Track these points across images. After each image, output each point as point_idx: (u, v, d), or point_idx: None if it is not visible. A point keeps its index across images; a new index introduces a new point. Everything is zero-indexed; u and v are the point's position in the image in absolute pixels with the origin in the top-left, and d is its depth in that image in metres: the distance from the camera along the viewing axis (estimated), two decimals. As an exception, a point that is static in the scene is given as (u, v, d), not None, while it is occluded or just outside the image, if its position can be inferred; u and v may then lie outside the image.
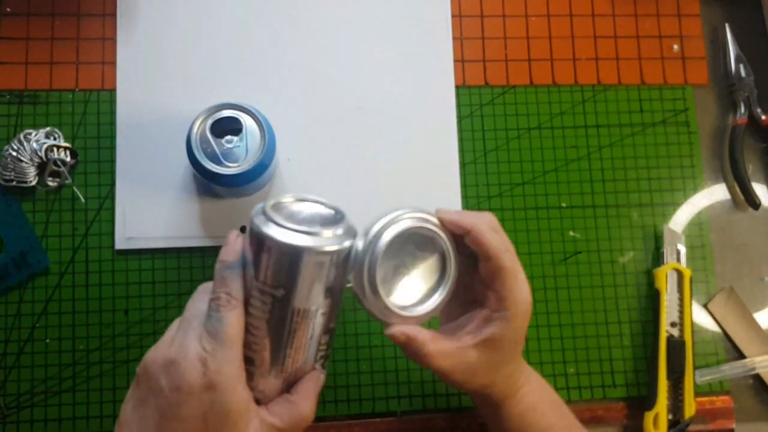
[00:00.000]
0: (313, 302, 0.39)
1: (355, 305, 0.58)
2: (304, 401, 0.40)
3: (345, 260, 0.40)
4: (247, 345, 0.39)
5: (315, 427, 0.57)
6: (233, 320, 0.37)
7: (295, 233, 0.38)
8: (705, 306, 0.62)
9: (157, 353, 0.37)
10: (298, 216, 0.40)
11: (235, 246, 0.39)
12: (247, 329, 0.38)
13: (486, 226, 0.42)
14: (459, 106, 0.63)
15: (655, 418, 0.58)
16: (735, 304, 0.62)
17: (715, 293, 0.62)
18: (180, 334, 0.38)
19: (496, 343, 0.42)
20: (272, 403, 0.39)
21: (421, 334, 0.42)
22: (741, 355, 0.61)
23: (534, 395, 0.47)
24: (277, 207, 0.40)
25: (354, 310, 0.59)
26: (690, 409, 0.58)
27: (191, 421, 0.35)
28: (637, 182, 0.63)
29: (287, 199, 0.41)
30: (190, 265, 0.58)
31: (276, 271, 0.38)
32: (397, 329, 0.41)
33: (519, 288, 0.42)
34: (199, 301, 0.40)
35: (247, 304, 0.38)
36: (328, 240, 0.39)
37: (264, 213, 0.39)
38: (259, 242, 0.38)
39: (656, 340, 0.59)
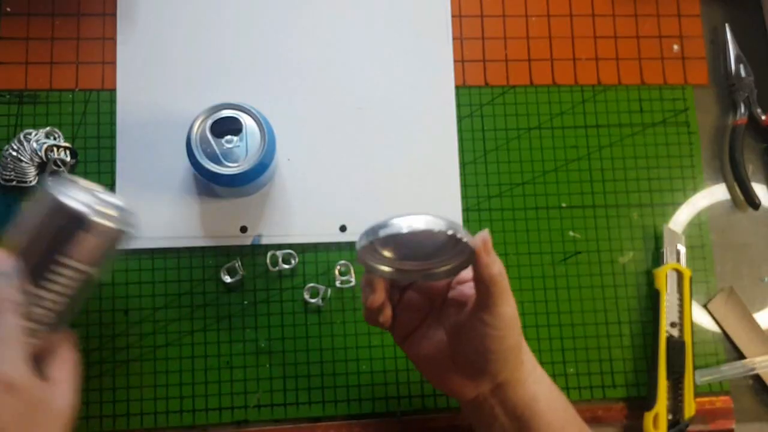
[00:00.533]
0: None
1: (355, 306, 0.58)
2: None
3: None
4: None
5: (314, 428, 0.57)
6: (10, 321, 0.40)
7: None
8: (705, 306, 0.62)
9: None
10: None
11: (3, 260, 0.41)
12: None
13: (483, 249, 0.43)
14: (459, 106, 0.63)
15: (655, 419, 0.58)
16: (735, 304, 0.62)
17: (715, 293, 0.62)
18: None
19: (493, 323, 0.44)
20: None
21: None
22: (741, 356, 0.61)
23: (537, 386, 0.47)
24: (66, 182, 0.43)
25: (353, 311, 0.59)
26: (690, 409, 0.58)
27: (7, 423, 0.39)
28: (637, 182, 0.63)
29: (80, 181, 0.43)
30: (190, 265, 0.58)
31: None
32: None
33: (507, 305, 0.44)
34: None
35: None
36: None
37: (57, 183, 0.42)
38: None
39: (656, 341, 0.59)
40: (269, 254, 0.58)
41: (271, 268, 0.58)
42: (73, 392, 0.43)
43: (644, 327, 0.61)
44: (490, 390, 0.46)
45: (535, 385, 0.47)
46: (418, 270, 0.45)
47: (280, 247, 0.59)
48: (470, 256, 0.43)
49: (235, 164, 0.51)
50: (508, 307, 0.44)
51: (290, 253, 0.58)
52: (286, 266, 0.58)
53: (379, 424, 0.58)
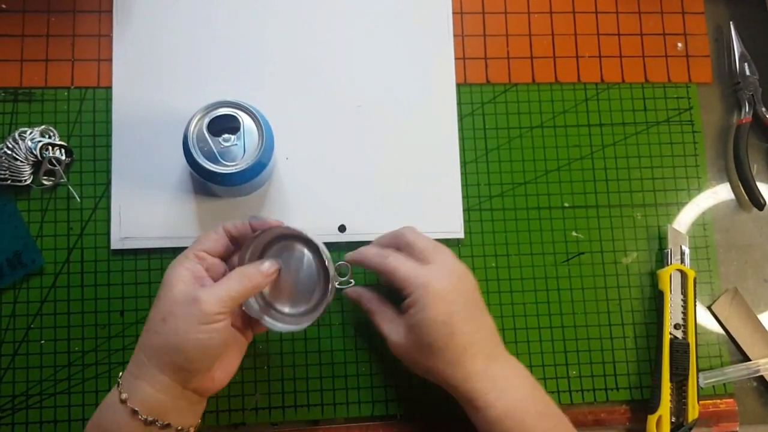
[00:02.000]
0: None
1: (355, 307, 0.57)
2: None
3: None
4: None
5: (314, 431, 0.57)
6: (204, 240, 0.49)
7: None
8: (709, 308, 0.61)
9: None
10: None
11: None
12: None
13: (368, 251, 0.53)
14: (460, 104, 0.62)
15: (659, 421, 0.57)
16: (739, 305, 0.61)
17: (719, 295, 0.61)
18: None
19: (413, 325, 0.49)
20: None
21: (367, 294, 0.54)
22: (745, 357, 0.61)
23: (506, 401, 0.48)
24: None
25: (353, 312, 0.58)
26: (694, 412, 0.57)
27: (159, 307, 0.46)
28: (640, 182, 0.62)
29: None
30: (187, 266, 0.57)
31: None
32: (351, 289, 0.55)
33: (414, 276, 0.49)
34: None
35: None
36: None
37: None
38: None
39: (660, 342, 0.58)
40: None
41: None
42: (209, 295, 0.45)
43: (648, 329, 0.60)
44: (454, 390, 0.50)
45: (500, 400, 0.48)
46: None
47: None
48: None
49: (233, 163, 0.51)
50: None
51: None
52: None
53: (379, 427, 0.57)
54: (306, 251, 0.51)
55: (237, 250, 0.51)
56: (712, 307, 0.61)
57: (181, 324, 0.44)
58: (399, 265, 0.50)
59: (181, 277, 0.46)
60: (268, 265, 0.49)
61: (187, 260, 0.47)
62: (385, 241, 0.54)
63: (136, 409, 0.45)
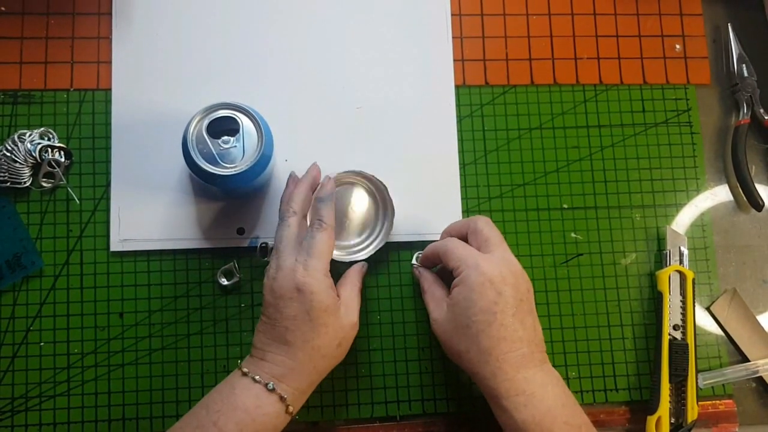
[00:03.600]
0: None
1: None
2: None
3: None
4: None
5: (313, 432, 0.57)
6: (323, 238, 0.49)
7: None
8: (708, 308, 0.61)
9: (265, 282, 0.49)
10: None
11: (327, 186, 0.52)
12: None
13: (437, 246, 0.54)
14: (459, 105, 0.62)
15: (658, 422, 0.57)
16: (738, 306, 0.61)
17: (718, 295, 0.62)
18: (274, 260, 0.50)
19: (456, 303, 0.49)
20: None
21: (427, 274, 0.56)
22: (744, 359, 0.61)
23: (535, 407, 0.47)
24: None
25: (353, 313, 0.58)
26: (693, 412, 0.57)
27: (293, 318, 0.47)
28: (639, 183, 0.63)
29: None
30: (186, 267, 0.57)
31: None
32: (416, 269, 0.58)
33: (469, 256, 0.50)
34: (282, 230, 0.51)
35: None
36: None
37: None
38: None
39: (659, 343, 0.59)
40: (259, 244, 0.57)
41: (261, 258, 0.57)
42: (355, 312, 0.51)
43: (647, 330, 0.60)
44: (480, 381, 0.49)
45: (528, 406, 0.47)
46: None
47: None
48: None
49: (232, 165, 0.51)
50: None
51: None
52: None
53: (379, 429, 0.57)
54: (362, 191, 0.58)
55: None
56: (711, 308, 0.61)
57: (347, 345, 0.51)
58: (456, 246, 0.51)
59: (332, 298, 0.49)
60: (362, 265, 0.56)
61: (317, 262, 0.48)
62: (455, 226, 0.55)
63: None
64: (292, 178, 0.55)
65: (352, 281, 0.53)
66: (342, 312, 0.50)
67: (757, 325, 0.61)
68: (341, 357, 0.50)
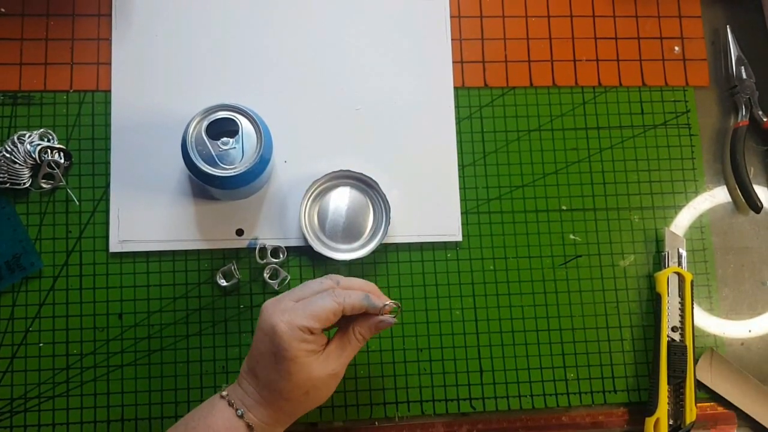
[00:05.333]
0: None
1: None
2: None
3: None
4: None
5: (312, 433, 0.57)
6: (325, 306, 0.47)
7: None
8: (694, 367, 0.58)
9: (264, 304, 0.49)
10: None
11: (374, 297, 0.49)
12: None
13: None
14: (458, 107, 0.62)
15: (656, 424, 0.57)
16: (719, 364, 0.60)
17: (716, 297, 0.62)
18: (287, 291, 0.50)
19: None
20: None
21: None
22: (750, 420, 0.60)
23: None
24: None
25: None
26: (691, 414, 0.57)
27: (262, 354, 0.47)
28: (637, 185, 0.63)
29: None
30: (185, 269, 0.58)
31: None
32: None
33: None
34: (316, 283, 0.50)
35: None
36: None
37: None
38: None
39: (657, 345, 0.59)
40: (258, 245, 0.57)
41: (259, 260, 0.57)
42: (338, 363, 0.48)
43: (645, 331, 0.61)
44: None
45: None
46: None
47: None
48: None
49: (231, 166, 0.51)
50: None
51: (278, 247, 0.58)
52: (274, 260, 0.57)
53: (378, 430, 0.57)
54: (356, 191, 0.59)
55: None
56: (696, 375, 0.59)
57: (324, 393, 0.49)
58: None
59: (300, 351, 0.47)
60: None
61: (301, 316, 0.47)
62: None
63: None
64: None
65: (358, 335, 0.50)
66: (317, 363, 0.47)
67: (747, 379, 0.60)
68: (315, 403, 0.49)
